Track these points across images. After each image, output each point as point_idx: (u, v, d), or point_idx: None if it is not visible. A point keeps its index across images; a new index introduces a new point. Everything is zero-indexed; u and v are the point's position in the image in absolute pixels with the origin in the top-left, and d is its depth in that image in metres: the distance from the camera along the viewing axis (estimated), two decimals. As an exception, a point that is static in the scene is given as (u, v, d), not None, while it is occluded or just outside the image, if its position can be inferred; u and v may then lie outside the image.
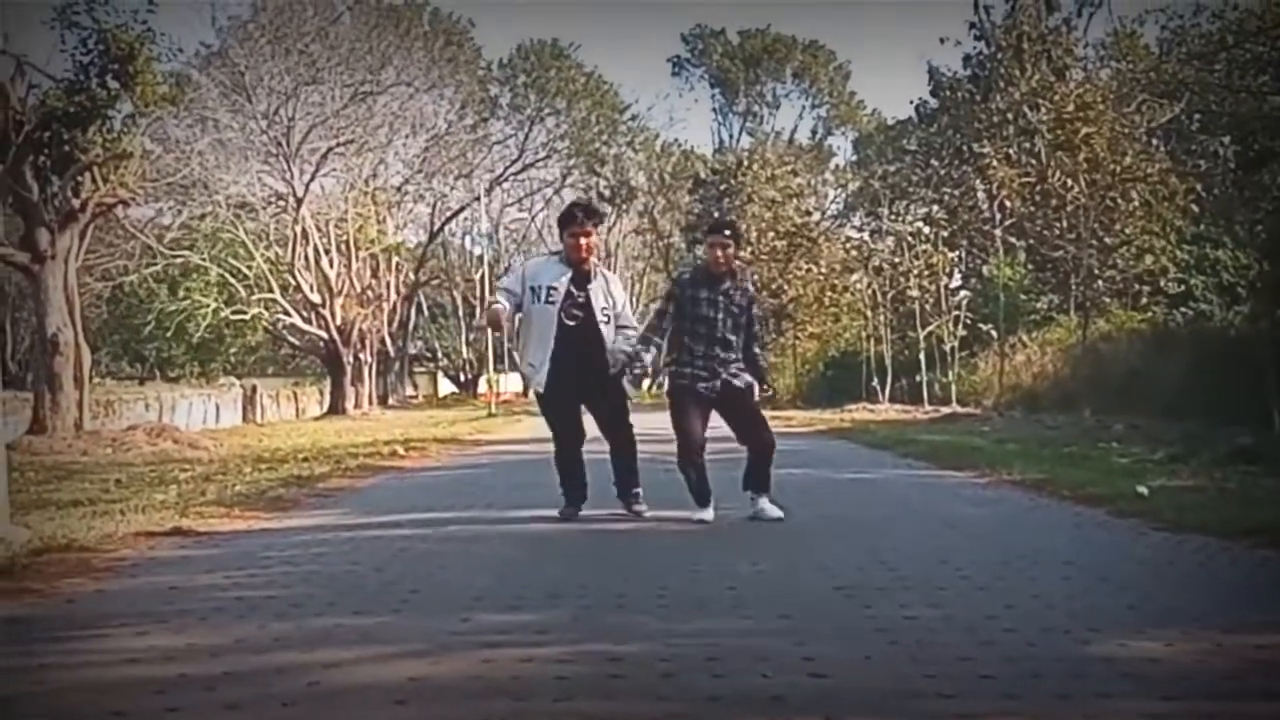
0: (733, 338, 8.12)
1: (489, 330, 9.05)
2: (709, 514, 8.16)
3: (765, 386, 8.64)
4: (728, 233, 8.33)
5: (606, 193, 58.09)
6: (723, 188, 46.35)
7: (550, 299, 7.97)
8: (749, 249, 42.55)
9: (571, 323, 7.98)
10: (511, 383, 59.60)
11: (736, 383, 8.15)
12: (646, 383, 42.43)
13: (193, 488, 11.02)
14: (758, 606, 5.07)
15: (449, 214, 53.42)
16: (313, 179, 37.04)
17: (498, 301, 8.26)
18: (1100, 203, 28.04)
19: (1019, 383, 28.37)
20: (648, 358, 8.21)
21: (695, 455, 8.20)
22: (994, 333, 30.06)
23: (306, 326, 39.39)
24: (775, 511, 8.22)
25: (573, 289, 8.02)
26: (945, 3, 62.77)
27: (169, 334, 41.96)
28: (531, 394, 8.49)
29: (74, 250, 20.24)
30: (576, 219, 8.19)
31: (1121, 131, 28.43)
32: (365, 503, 9.35)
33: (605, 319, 8.05)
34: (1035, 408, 24.43)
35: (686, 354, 8.15)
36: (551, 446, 8.46)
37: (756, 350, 8.36)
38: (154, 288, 40.70)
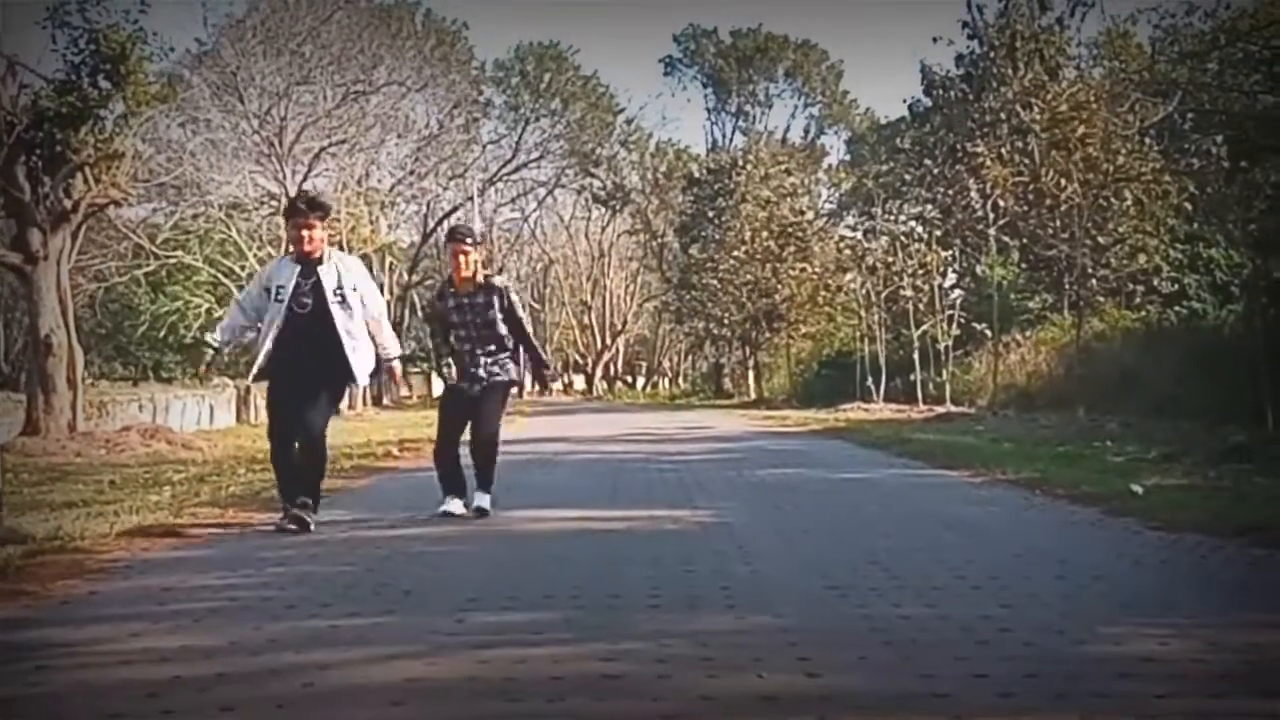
0: (490, 344, 8.36)
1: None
2: (457, 505, 8.24)
3: (548, 370, 9.04)
4: (469, 240, 8.51)
5: (601, 193, 58.15)
6: (716, 187, 46.39)
7: (279, 296, 7.82)
8: (743, 248, 42.62)
9: (301, 310, 7.81)
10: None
11: (498, 378, 8.40)
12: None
13: (187, 489, 10.99)
14: (752, 606, 5.07)
15: (442, 214, 53.41)
16: (305, 179, 36.99)
17: (208, 344, 8.43)
18: (1093, 202, 28.06)
19: (1013, 382, 28.40)
20: (447, 372, 8.46)
21: (446, 450, 8.45)
22: (988, 332, 30.09)
23: (300, 327, 39.30)
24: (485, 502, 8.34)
25: (300, 280, 7.85)
26: (938, 1, 62.75)
27: (162, 335, 41.89)
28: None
29: (66, 251, 20.16)
30: (299, 210, 8.04)
31: (1114, 131, 28.46)
32: (360, 503, 9.34)
33: (339, 298, 7.84)
34: (1029, 407, 24.45)
35: (455, 355, 8.48)
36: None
37: (532, 342, 8.66)
38: (147, 288, 40.65)
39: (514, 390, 8.97)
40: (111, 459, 16.17)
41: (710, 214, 46.30)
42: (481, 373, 8.36)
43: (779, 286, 42.14)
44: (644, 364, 74.14)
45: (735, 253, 42.76)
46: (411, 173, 46.69)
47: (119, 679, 4.07)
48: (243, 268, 38.03)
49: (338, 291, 7.83)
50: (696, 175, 50.06)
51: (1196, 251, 28.93)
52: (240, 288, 38.32)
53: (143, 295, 41.31)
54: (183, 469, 13.73)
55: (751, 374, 47.92)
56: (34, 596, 5.65)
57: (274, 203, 37.44)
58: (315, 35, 38.12)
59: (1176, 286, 28.62)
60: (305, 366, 7.78)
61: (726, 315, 44.28)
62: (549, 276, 67.03)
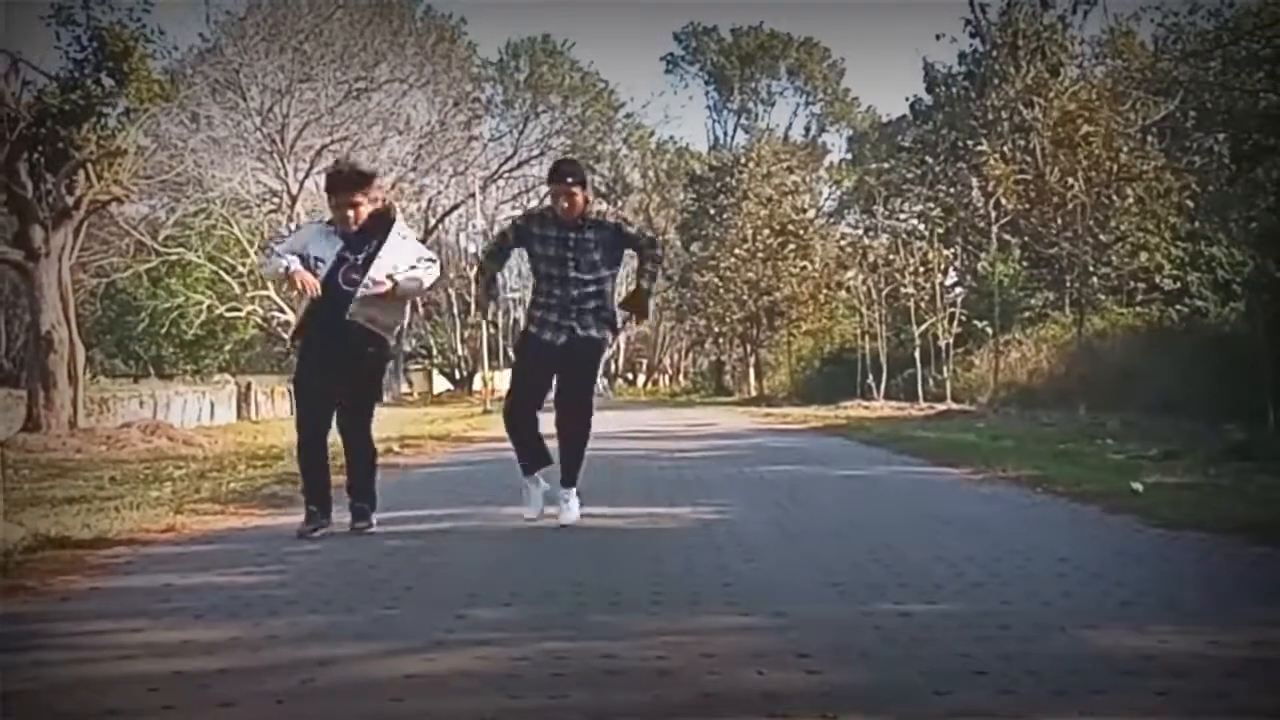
0: (589, 279, 7.36)
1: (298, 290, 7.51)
2: (535, 504, 7.51)
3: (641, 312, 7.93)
4: (570, 179, 7.36)
5: (602, 189, 58.17)
6: (718, 185, 46.40)
7: (316, 270, 7.20)
8: (744, 246, 42.63)
9: (348, 288, 7.17)
10: (507, 380, 59.65)
11: (584, 332, 7.37)
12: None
13: (187, 485, 11.00)
14: (753, 603, 5.06)
15: (443, 211, 53.42)
16: (307, 176, 37.06)
17: (280, 260, 7.35)
18: (1096, 200, 28.07)
19: (1014, 379, 28.41)
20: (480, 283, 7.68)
21: (524, 413, 7.55)
22: (989, 330, 30.10)
23: (301, 324, 39.29)
24: (574, 513, 7.49)
25: (346, 255, 7.23)
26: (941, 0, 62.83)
27: (163, 331, 41.93)
28: None
29: (68, 247, 20.19)
30: (340, 185, 7.37)
31: (1117, 129, 28.47)
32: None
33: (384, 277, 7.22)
34: (1030, 404, 24.45)
35: (537, 299, 7.54)
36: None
37: (648, 266, 7.55)
38: (148, 285, 40.69)
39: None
40: (112, 455, 16.19)
41: (712, 211, 46.34)
42: (571, 320, 7.35)
43: (780, 284, 42.17)
44: (645, 361, 74.15)
45: (736, 250, 42.79)
46: (413, 170, 46.70)
47: (119, 674, 4.06)
48: (244, 264, 38.07)
49: (382, 267, 7.25)
50: (698, 173, 50.12)
51: (1198, 249, 28.94)
52: (241, 284, 38.45)
53: (144, 291, 41.36)
54: (183, 465, 13.74)
55: (752, 371, 47.95)
56: (34, 592, 5.64)
57: (275, 199, 37.52)
58: (317, 32, 38.17)
59: (1178, 284, 28.63)
60: (342, 351, 7.25)
61: (727, 313, 44.32)
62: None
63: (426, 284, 7.66)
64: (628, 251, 7.72)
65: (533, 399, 7.64)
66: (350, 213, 7.26)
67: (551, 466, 7.63)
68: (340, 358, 7.27)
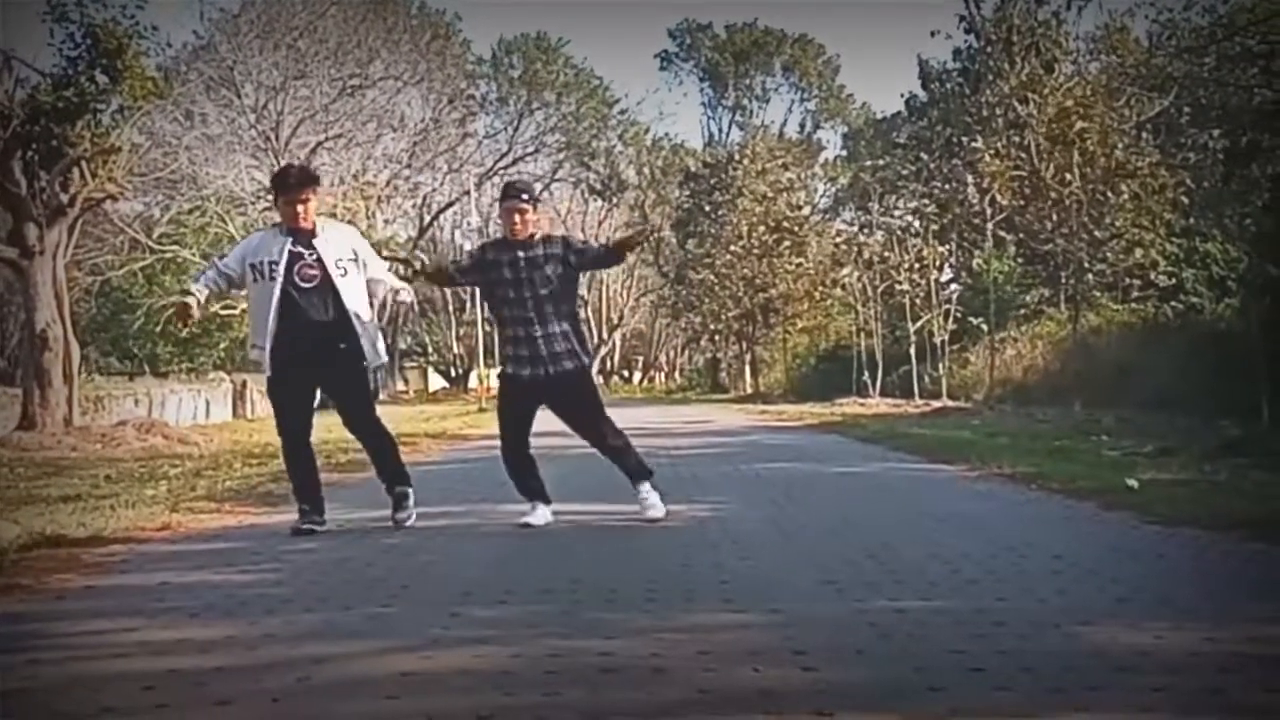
0: (550, 308, 7.34)
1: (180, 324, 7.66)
2: (539, 516, 7.49)
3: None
4: (525, 196, 7.56)
5: (597, 186, 58.15)
6: (713, 182, 46.40)
7: (272, 275, 7.18)
8: (739, 243, 42.62)
9: (306, 285, 7.22)
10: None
11: (567, 365, 7.40)
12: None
13: (183, 483, 10.99)
14: (748, 601, 5.06)
15: (438, 209, 53.40)
16: (301, 173, 37.00)
17: (189, 294, 7.49)
18: (1091, 196, 28.09)
19: (1009, 376, 28.42)
20: (406, 297, 7.74)
21: (518, 453, 7.65)
22: (984, 326, 30.10)
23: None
24: (657, 508, 7.60)
25: (298, 249, 7.24)
26: (935, -4, 62.77)
27: (158, 329, 41.84)
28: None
29: (62, 245, 20.16)
30: (291, 185, 7.41)
31: (1111, 125, 28.49)
32: (356, 498, 9.33)
33: (343, 271, 7.27)
34: (1025, 401, 24.46)
35: (505, 338, 7.59)
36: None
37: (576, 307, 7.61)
38: (143, 282, 40.63)
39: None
40: (107, 453, 16.18)
41: (707, 208, 46.35)
42: (543, 355, 7.34)
43: (775, 281, 42.18)
44: (640, 358, 74.16)
45: (732, 247, 42.80)
46: (407, 167, 46.67)
47: (114, 672, 4.06)
48: (239, 262, 38.01)
49: (340, 263, 7.30)
50: (693, 169, 50.09)
51: (1193, 246, 28.98)
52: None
53: (139, 289, 41.30)
54: (178, 464, 13.73)
55: (748, 368, 47.96)
56: (29, 590, 5.65)
57: (269, 197, 37.45)
58: (311, 29, 38.15)
59: (1173, 281, 28.67)
60: (319, 350, 7.27)
61: (723, 310, 44.32)
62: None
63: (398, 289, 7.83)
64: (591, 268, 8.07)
65: (522, 431, 7.70)
66: (300, 208, 7.33)
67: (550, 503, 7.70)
68: (310, 357, 7.32)
